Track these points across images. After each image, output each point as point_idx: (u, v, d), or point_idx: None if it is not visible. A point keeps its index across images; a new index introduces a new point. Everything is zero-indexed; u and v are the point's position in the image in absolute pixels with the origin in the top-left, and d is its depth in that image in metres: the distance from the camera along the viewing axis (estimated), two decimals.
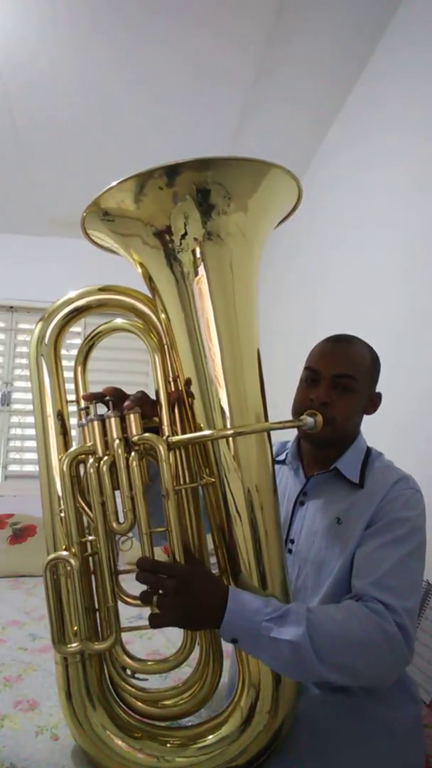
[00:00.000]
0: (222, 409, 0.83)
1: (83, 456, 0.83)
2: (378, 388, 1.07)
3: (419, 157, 1.71)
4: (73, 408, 0.92)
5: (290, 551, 1.02)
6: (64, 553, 0.82)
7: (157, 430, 0.84)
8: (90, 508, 0.82)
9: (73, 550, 0.81)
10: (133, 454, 0.80)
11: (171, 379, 0.90)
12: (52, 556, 0.82)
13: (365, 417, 1.07)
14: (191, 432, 0.86)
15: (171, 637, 1.52)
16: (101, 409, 0.86)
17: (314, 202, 2.36)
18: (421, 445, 1.55)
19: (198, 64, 2.06)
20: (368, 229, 2.03)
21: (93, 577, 0.84)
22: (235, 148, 2.51)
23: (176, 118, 2.33)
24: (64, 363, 0.93)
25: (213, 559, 0.90)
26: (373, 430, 1.19)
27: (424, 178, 1.67)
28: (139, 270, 0.90)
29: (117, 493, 0.81)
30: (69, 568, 0.81)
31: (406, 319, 1.71)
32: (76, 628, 0.80)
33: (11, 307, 3.25)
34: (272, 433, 0.89)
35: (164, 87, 2.17)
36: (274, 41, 1.96)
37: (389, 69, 1.94)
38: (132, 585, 0.82)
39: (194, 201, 0.79)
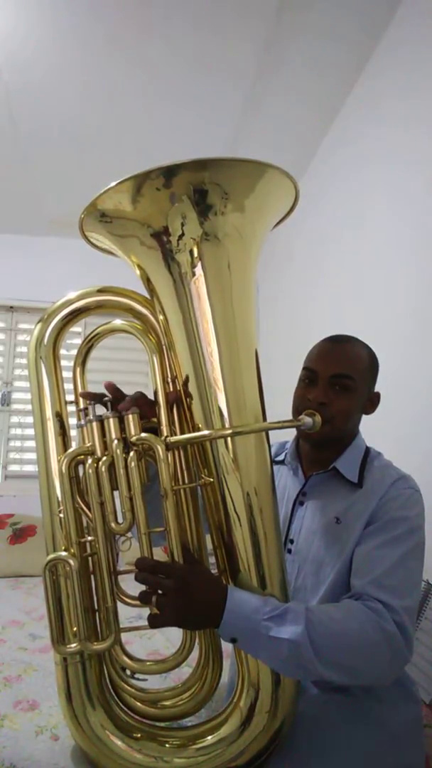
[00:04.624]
0: (220, 409, 0.83)
1: (82, 456, 0.83)
2: (379, 388, 1.07)
3: (420, 155, 1.70)
4: (72, 409, 0.92)
5: (289, 551, 1.02)
6: (64, 553, 0.82)
7: (155, 431, 0.84)
8: (89, 509, 0.82)
9: (73, 550, 0.81)
10: (131, 454, 0.80)
11: (169, 380, 0.90)
12: (52, 556, 0.82)
13: (367, 417, 1.07)
14: (190, 432, 0.87)
15: (171, 637, 1.52)
16: (100, 409, 0.86)
17: (315, 200, 2.37)
18: (423, 445, 1.55)
19: (199, 62, 2.06)
20: (368, 228, 2.03)
21: (92, 577, 0.84)
22: (236, 146, 2.51)
23: (177, 116, 2.33)
24: (64, 363, 0.93)
25: (212, 559, 0.90)
26: (374, 429, 1.19)
27: (424, 176, 1.67)
28: (137, 271, 0.90)
29: (116, 493, 0.81)
30: (68, 568, 0.81)
31: (406, 319, 1.71)
32: (75, 628, 0.80)
33: (11, 307, 3.25)
34: (271, 433, 0.89)
35: (165, 86, 2.17)
36: (274, 40, 1.96)
37: (389, 67, 1.94)
38: (131, 585, 0.82)
39: (191, 202, 0.80)
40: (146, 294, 0.92)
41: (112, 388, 0.91)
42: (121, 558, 1.92)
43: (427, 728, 1.05)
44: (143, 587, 0.77)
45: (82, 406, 0.88)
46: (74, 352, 0.96)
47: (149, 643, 1.51)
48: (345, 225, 2.22)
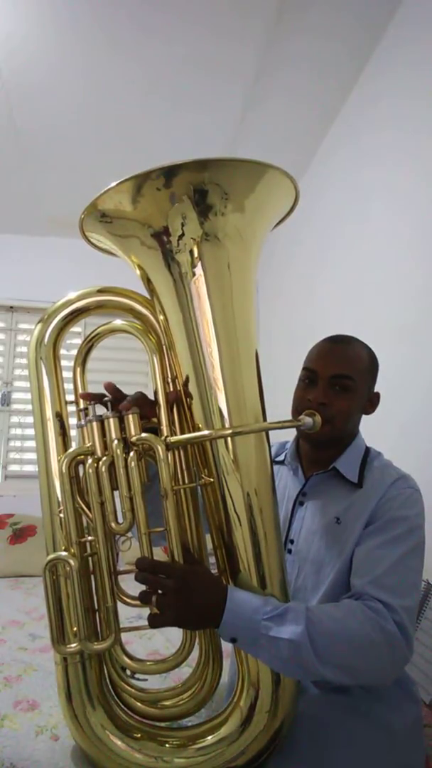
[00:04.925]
0: (220, 409, 0.83)
1: (82, 456, 0.83)
2: (379, 388, 1.07)
3: (420, 154, 1.71)
4: (72, 409, 0.92)
5: (290, 551, 1.02)
6: (64, 553, 0.82)
7: (155, 431, 0.84)
8: (89, 509, 0.82)
9: (73, 550, 0.81)
10: (131, 454, 0.80)
11: (169, 380, 0.90)
12: (52, 556, 0.82)
13: (367, 417, 1.07)
14: (190, 432, 0.87)
15: (171, 637, 1.52)
16: (100, 410, 0.86)
17: (315, 201, 2.37)
18: (423, 445, 1.55)
19: (199, 62, 2.06)
20: (368, 228, 2.03)
21: (92, 577, 0.84)
22: (236, 146, 2.51)
23: (178, 116, 2.34)
24: (64, 363, 0.93)
25: (212, 559, 0.90)
26: (375, 429, 1.19)
27: (424, 176, 1.67)
28: (138, 271, 0.90)
29: (116, 493, 0.81)
30: (68, 568, 0.81)
31: (406, 318, 1.71)
32: (75, 628, 0.80)
33: (11, 307, 3.25)
34: (271, 433, 0.89)
35: (165, 85, 2.17)
36: (275, 39, 1.96)
37: (389, 67, 1.94)
38: (131, 585, 0.82)
39: (191, 202, 0.80)
40: (146, 294, 0.92)
41: (111, 388, 0.91)
42: (121, 558, 1.92)
43: (427, 728, 1.05)
44: (143, 587, 0.77)
45: (82, 406, 0.88)
46: (74, 352, 0.96)
47: (149, 643, 1.51)
48: (345, 225, 2.22)
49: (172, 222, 0.81)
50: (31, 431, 1.05)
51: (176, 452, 0.87)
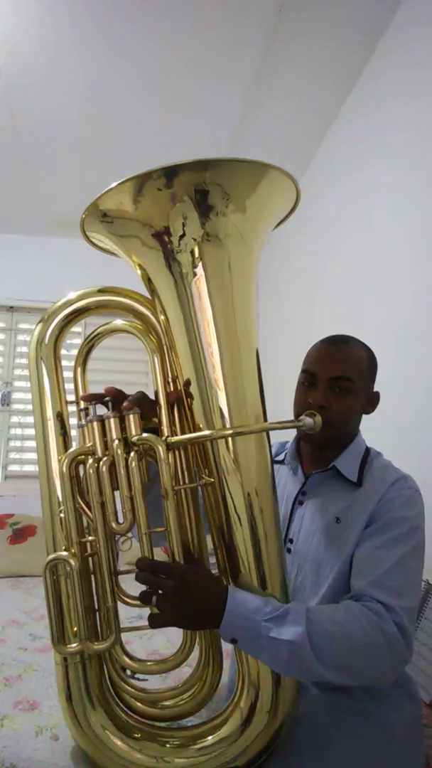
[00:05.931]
0: (221, 409, 0.83)
1: (83, 456, 0.83)
2: (378, 388, 1.07)
3: (419, 156, 1.70)
4: (72, 409, 0.92)
5: (289, 551, 1.02)
6: (64, 553, 0.82)
7: (156, 431, 0.85)
8: (89, 509, 0.82)
9: (73, 550, 0.81)
10: (132, 454, 0.80)
11: (170, 380, 0.90)
12: (52, 556, 0.82)
13: (367, 417, 1.07)
14: (190, 432, 0.87)
15: (171, 637, 1.52)
16: (101, 409, 0.86)
17: (314, 201, 2.37)
18: (422, 445, 1.55)
19: (199, 62, 2.06)
20: (368, 229, 2.03)
21: (93, 577, 0.84)
22: (235, 147, 2.51)
23: (177, 117, 2.34)
24: (65, 363, 0.93)
25: (212, 559, 0.90)
26: (374, 429, 1.19)
27: (424, 178, 1.67)
28: (139, 272, 0.90)
29: (117, 493, 0.81)
30: (69, 568, 0.81)
31: (405, 319, 1.71)
32: (75, 628, 0.80)
33: (11, 307, 3.25)
34: (271, 433, 0.89)
35: (165, 86, 2.17)
36: (274, 40, 1.96)
37: (389, 68, 1.94)
38: (132, 585, 0.82)
39: (192, 202, 0.80)
40: (147, 294, 0.92)
41: (113, 391, 0.91)
42: (121, 558, 1.92)
43: (427, 728, 1.05)
44: (143, 587, 0.77)
45: (82, 405, 0.88)
46: (75, 352, 0.96)
47: (149, 643, 1.51)
48: (345, 225, 2.22)
49: (173, 222, 0.81)
50: (31, 431, 1.05)
51: (177, 452, 0.87)
